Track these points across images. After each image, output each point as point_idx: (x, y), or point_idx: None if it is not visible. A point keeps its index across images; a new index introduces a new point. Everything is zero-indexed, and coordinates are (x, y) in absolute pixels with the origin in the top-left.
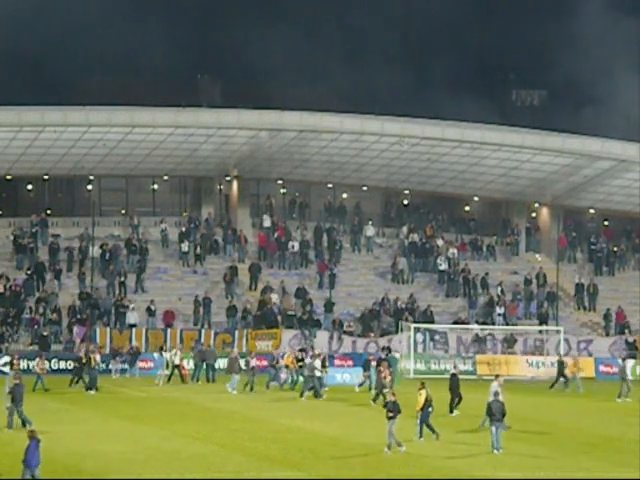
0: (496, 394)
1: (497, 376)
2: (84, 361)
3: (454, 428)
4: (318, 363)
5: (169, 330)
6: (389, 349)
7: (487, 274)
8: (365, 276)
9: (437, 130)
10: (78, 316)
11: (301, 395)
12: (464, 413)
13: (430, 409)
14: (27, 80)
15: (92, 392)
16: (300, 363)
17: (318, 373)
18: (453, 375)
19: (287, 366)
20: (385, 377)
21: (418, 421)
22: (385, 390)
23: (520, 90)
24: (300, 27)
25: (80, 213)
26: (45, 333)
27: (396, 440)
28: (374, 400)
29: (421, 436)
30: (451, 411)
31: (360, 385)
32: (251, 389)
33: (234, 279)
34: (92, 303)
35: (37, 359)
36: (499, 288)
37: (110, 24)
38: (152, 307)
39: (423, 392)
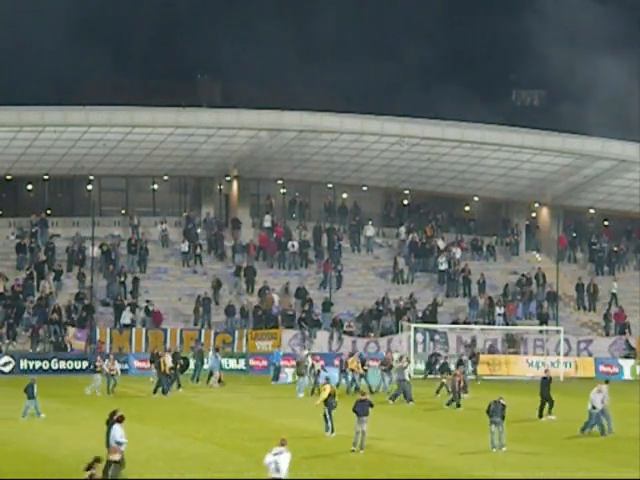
0: (499, 404)
1: (607, 382)
2: (175, 365)
3: (454, 428)
4: (408, 367)
5: (169, 330)
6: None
7: (542, 274)
8: (365, 276)
9: (437, 130)
10: (74, 316)
11: (392, 399)
12: (463, 412)
13: (334, 404)
14: (27, 80)
15: (166, 395)
16: (365, 367)
17: (408, 377)
18: (544, 378)
19: (352, 370)
20: (460, 382)
21: (328, 415)
22: (466, 395)
23: (520, 90)
24: (298, 27)
25: (80, 213)
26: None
27: (362, 440)
28: (448, 404)
29: (333, 431)
30: (540, 416)
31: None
32: (312, 392)
33: (222, 285)
34: (88, 304)
35: (107, 360)
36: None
37: (109, 24)
38: (150, 307)
39: (327, 387)
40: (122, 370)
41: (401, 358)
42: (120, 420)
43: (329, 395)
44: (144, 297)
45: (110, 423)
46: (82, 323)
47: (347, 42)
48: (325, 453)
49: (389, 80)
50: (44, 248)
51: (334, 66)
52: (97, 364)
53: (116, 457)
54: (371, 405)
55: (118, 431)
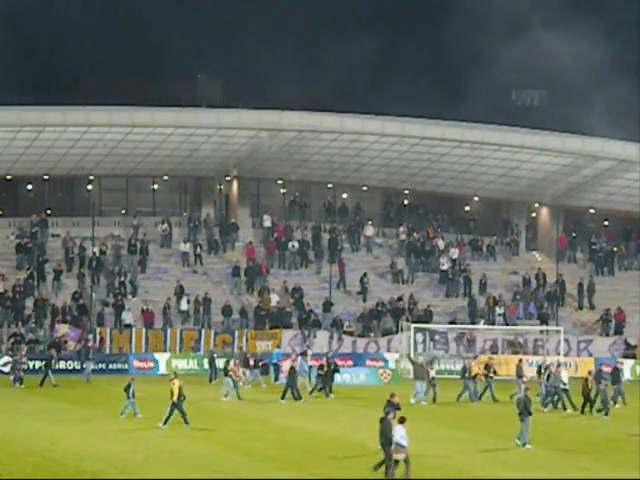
0: (526, 390)
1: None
2: (326, 370)
3: (454, 428)
4: (565, 375)
5: (169, 330)
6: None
7: (542, 274)
8: (365, 276)
9: (437, 130)
10: (68, 317)
11: (545, 406)
12: (462, 412)
13: (182, 397)
14: (27, 80)
15: (283, 402)
16: (491, 373)
17: (563, 384)
18: None
19: (475, 376)
20: (591, 388)
21: (169, 409)
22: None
23: (520, 90)
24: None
25: (80, 213)
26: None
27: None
28: (582, 410)
29: (186, 422)
30: None
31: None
32: (434, 400)
33: (184, 291)
34: (83, 304)
35: (231, 362)
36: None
37: (110, 24)
38: (145, 307)
39: (177, 382)
40: (121, 370)
41: (559, 365)
42: (402, 421)
43: (180, 390)
44: (143, 297)
45: (384, 420)
46: (76, 323)
47: (350, 43)
48: (325, 453)
49: (388, 79)
50: (44, 248)
51: (337, 66)
52: (229, 368)
53: (401, 456)
54: (398, 408)
55: (399, 432)
